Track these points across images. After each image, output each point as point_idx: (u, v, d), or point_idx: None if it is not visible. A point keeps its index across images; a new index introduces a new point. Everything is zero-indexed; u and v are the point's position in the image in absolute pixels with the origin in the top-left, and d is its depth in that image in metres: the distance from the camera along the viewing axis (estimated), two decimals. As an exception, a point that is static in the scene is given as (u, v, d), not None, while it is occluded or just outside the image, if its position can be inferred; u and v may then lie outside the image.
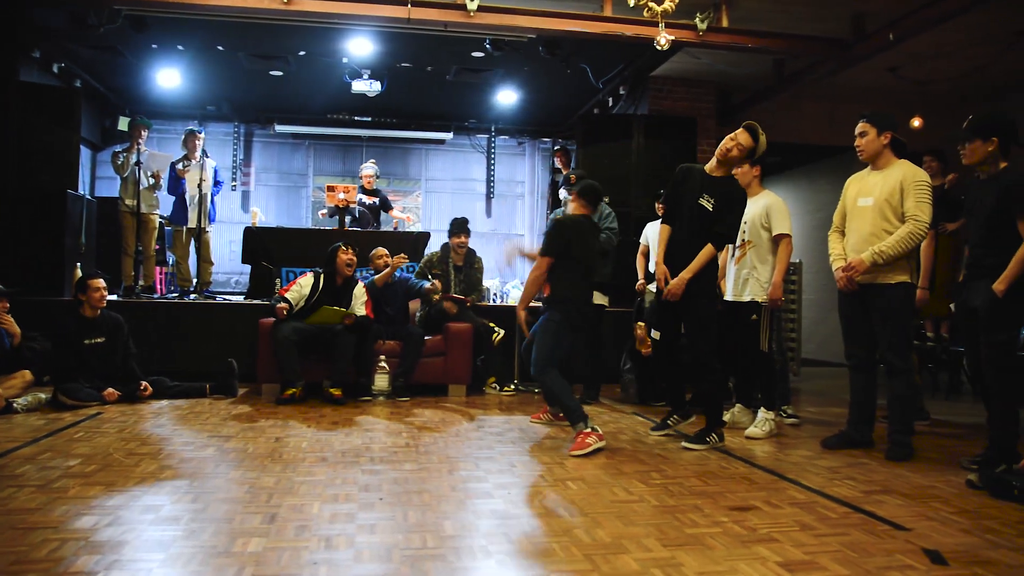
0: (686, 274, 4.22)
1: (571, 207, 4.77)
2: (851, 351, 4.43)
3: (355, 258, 6.04)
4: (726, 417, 5.01)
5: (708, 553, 2.56)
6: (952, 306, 4.28)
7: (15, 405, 4.97)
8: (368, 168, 8.62)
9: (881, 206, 4.15)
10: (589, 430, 4.17)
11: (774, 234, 4.83)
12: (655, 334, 4.55)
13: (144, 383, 5.56)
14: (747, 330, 4.83)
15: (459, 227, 6.60)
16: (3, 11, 6.51)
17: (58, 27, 7.19)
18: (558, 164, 9.13)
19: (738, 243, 4.90)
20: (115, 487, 3.23)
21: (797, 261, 7.88)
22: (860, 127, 4.28)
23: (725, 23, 6.58)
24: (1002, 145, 3.74)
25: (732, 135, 4.33)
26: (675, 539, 2.69)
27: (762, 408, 4.81)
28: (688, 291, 4.26)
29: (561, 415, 4.78)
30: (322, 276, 6.01)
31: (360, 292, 6.09)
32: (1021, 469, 3.50)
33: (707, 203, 4.26)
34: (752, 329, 4.80)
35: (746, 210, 4.78)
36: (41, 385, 5.37)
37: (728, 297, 4.96)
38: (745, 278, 4.85)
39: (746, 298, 4.83)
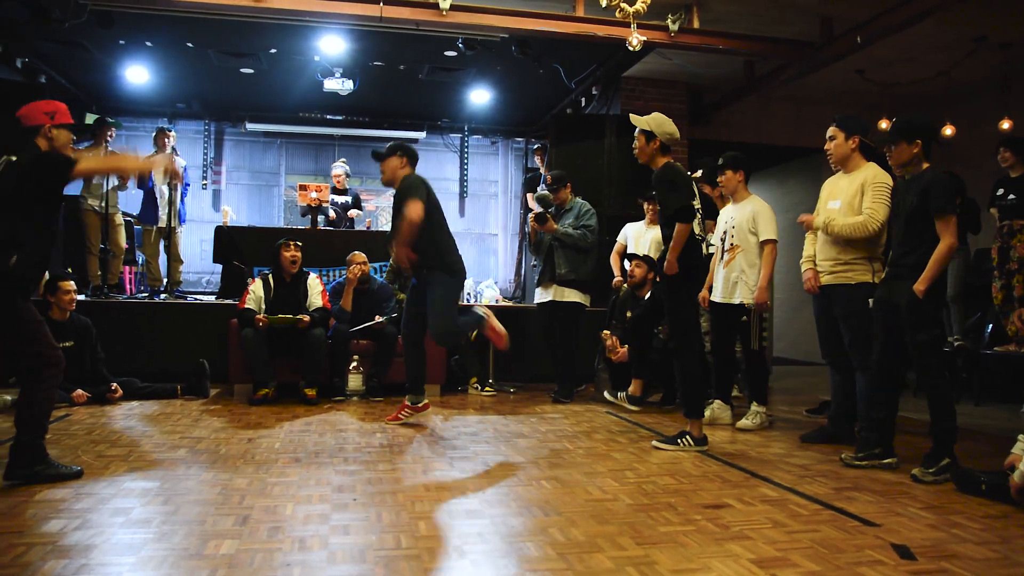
0: (670, 254, 4.20)
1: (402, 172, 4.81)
2: (827, 350, 4.54)
3: (299, 254, 5.97)
4: (705, 414, 5.09)
5: (682, 551, 2.58)
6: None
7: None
8: (338, 167, 8.50)
9: (845, 209, 4.24)
10: (416, 405, 4.87)
11: (760, 239, 4.94)
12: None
13: (114, 385, 5.48)
14: (735, 330, 5.06)
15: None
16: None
17: (21, 21, 7.04)
18: (538, 163, 9.12)
19: (727, 246, 5.02)
20: (84, 490, 3.19)
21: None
22: (829, 131, 4.36)
23: (696, 24, 6.63)
24: (925, 147, 3.80)
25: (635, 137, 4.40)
26: (649, 537, 2.71)
27: (754, 403, 5.01)
28: (671, 286, 4.30)
29: (420, 406, 4.94)
30: (270, 276, 5.97)
31: (314, 283, 6.05)
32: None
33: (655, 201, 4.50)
34: (743, 330, 5.02)
35: (734, 215, 5.06)
36: (5, 386, 5.27)
37: (716, 298, 5.09)
38: (734, 281, 4.99)
39: (735, 300, 4.98)
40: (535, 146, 9.25)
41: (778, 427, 5.15)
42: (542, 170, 8.90)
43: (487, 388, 6.43)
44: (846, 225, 4.16)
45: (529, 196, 9.00)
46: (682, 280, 4.26)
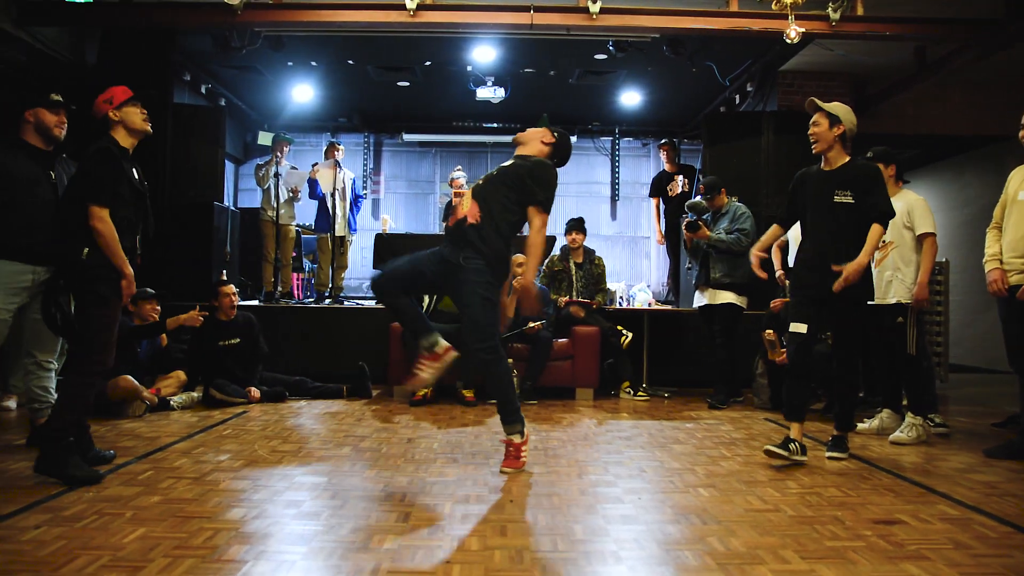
0: (863, 257, 3.85)
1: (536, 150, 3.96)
2: (1015, 356, 4.14)
3: None
4: (874, 424, 4.84)
5: (851, 568, 2.43)
6: None
7: (172, 403, 5.35)
8: (459, 175, 8.56)
9: None
10: (525, 439, 3.72)
11: (918, 233, 4.62)
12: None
13: (253, 390, 5.73)
14: (893, 333, 4.62)
15: (572, 225, 6.65)
16: (159, 41, 7.05)
17: (205, 51, 7.71)
18: (663, 158, 8.92)
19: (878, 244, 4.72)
20: (260, 482, 3.41)
21: (943, 260, 7.42)
22: None
23: (860, 11, 6.27)
24: None
25: (811, 123, 4.05)
26: (814, 551, 2.58)
27: (909, 413, 4.58)
28: (849, 290, 3.93)
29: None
30: None
31: None
32: None
33: (845, 197, 3.94)
34: (899, 332, 4.59)
35: None
36: (194, 385, 5.73)
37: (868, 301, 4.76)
38: (888, 280, 4.65)
39: (891, 300, 4.64)
40: (661, 142, 9.01)
41: (957, 440, 4.76)
42: (666, 167, 8.70)
43: (640, 393, 6.35)
44: None
45: (653, 203, 8.83)
46: (866, 285, 4.03)
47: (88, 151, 3.47)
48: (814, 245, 4.05)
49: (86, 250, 3.38)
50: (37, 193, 3.66)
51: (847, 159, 4.03)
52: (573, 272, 6.66)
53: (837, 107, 4.03)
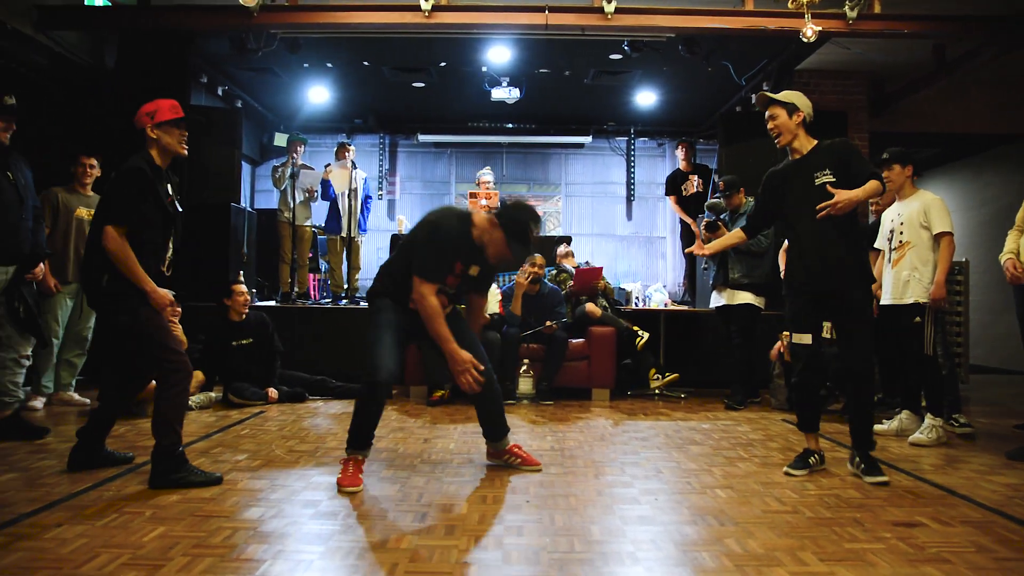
0: (860, 193, 3.51)
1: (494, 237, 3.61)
2: None
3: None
4: (893, 425, 4.79)
5: (870, 570, 2.42)
6: None
7: (190, 403, 5.38)
8: (487, 175, 8.46)
9: None
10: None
11: (935, 232, 4.57)
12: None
13: (272, 391, 5.78)
14: (910, 334, 4.57)
15: (561, 242, 7.15)
16: (177, 43, 7.11)
17: (222, 53, 7.75)
18: (680, 156, 8.87)
19: (895, 244, 4.68)
20: (277, 482, 3.43)
21: (963, 260, 7.36)
22: None
23: (877, 9, 6.23)
24: None
25: (768, 117, 3.89)
26: (833, 553, 2.56)
27: (928, 415, 4.54)
28: (851, 282, 3.69)
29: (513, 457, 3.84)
30: None
31: (493, 291, 6.20)
32: None
33: (826, 177, 3.69)
34: (916, 332, 4.54)
35: (901, 211, 4.70)
36: (211, 385, 5.77)
37: (886, 301, 4.72)
38: (906, 280, 4.60)
39: (908, 300, 4.58)
40: (680, 140, 8.98)
41: (979, 441, 4.71)
42: (681, 165, 8.67)
43: (668, 373, 6.36)
44: None
45: (671, 200, 8.79)
46: (860, 275, 3.73)
47: (120, 169, 3.34)
48: (803, 236, 3.78)
49: (106, 277, 3.28)
50: None
51: (815, 142, 3.85)
52: (573, 273, 6.86)
53: (790, 95, 3.85)
